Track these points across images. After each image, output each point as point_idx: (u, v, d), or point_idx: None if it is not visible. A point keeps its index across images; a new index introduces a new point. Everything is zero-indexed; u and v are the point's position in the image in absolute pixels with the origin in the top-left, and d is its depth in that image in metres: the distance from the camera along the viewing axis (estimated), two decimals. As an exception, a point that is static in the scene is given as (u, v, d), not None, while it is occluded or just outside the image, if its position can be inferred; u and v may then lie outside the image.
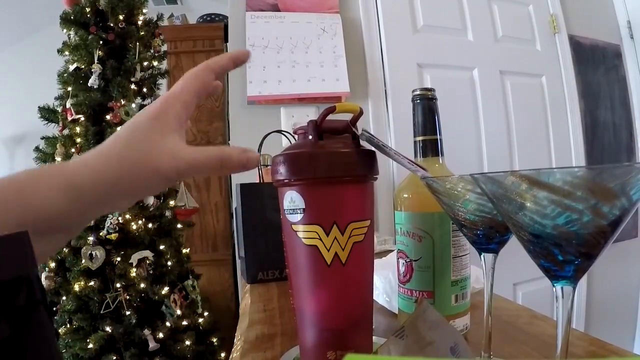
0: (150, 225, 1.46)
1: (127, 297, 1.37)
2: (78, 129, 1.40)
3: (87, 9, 1.45)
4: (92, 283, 1.34)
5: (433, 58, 1.62)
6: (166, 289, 1.46)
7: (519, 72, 1.73)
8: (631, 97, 1.98)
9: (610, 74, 1.94)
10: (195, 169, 0.30)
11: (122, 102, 1.42)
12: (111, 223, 1.35)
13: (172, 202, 1.59)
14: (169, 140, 0.29)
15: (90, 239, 1.35)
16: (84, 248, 1.34)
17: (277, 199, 0.37)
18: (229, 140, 1.69)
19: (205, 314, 1.61)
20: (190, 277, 1.60)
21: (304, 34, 1.50)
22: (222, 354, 1.62)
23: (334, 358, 0.34)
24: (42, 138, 1.50)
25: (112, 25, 1.48)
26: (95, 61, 1.42)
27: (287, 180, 0.35)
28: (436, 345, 0.31)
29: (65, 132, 1.44)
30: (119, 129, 0.30)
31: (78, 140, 1.40)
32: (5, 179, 0.26)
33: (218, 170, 0.31)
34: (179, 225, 1.61)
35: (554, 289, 0.26)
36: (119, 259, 1.36)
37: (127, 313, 1.36)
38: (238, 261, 1.35)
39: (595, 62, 1.90)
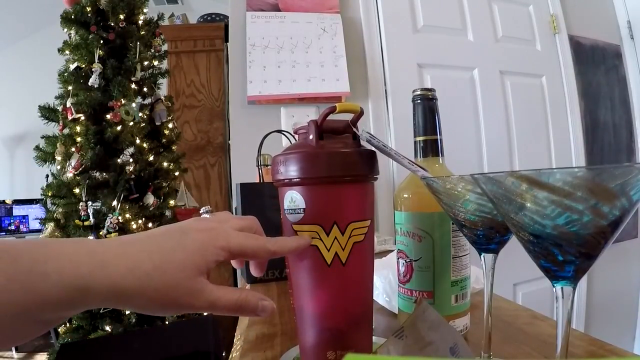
0: (150, 224, 1.46)
1: (127, 296, 1.37)
2: (78, 128, 1.40)
3: (88, 9, 1.45)
4: (92, 282, 1.33)
5: (433, 58, 1.62)
6: (166, 288, 1.46)
7: (519, 72, 1.73)
8: (631, 97, 1.98)
9: (610, 74, 1.94)
10: (213, 309, 0.30)
11: (123, 102, 1.42)
12: (111, 222, 1.35)
13: (172, 202, 1.59)
14: (195, 283, 0.28)
15: (91, 238, 1.35)
16: (84, 247, 1.34)
17: (277, 198, 0.37)
18: (229, 140, 1.70)
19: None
20: (190, 276, 1.60)
21: (305, 33, 1.50)
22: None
23: (333, 358, 0.34)
24: (43, 137, 1.51)
25: (112, 24, 1.48)
26: (96, 60, 1.43)
27: (287, 180, 0.35)
28: (436, 346, 0.31)
29: (66, 131, 1.44)
30: (148, 237, 0.29)
31: (78, 139, 1.40)
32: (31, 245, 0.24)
33: (234, 313, 0.31)
34: (179, 225, 1.61)
35: (554, 289, 0.26)
36: (119, 258, 1.36)
37: (127, 312, 1.36)
38: (238, 261, 1.35)
39: (595, 62, 1.90)
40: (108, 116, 1.41)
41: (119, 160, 1.43)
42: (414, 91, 0.48)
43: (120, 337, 0.29)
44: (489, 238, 0.35)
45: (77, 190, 1.38)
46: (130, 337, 0.27)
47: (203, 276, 0.29)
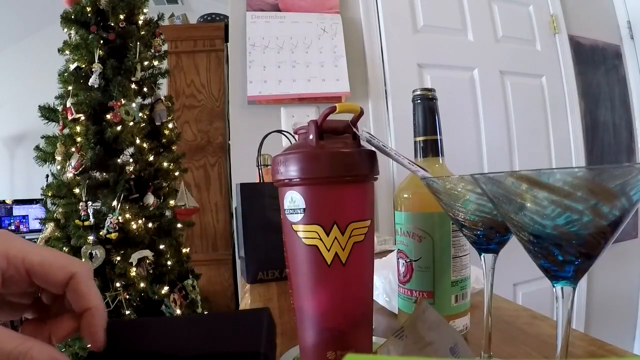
0: (150, 224, 1.46)
1: (127, 296, 1.37)
2: (78, 128, 1.40)
3: (88, 9, 1.45)
4: (92, 282, 1.33)
5: (433, 58, 1.62)
6: (166, 288, 1.46)
7: (519, 72, 1.73)
8: (631, 97, 1.98)
9: (610, 74, 1.94)
10: None
11: (123, 102, 1.42)
12: (111, 222, 1.35)
13: (172, 202, 1.59)
14: None
15: (90, 238, 1.35)
16: (84, 247, 1.34)
17: (277, 198, 0.37)
18: (229, 140, 1.70)
19: (205, 313, 1.61)
20: (190, 276, 1.61)
21: (305, 34, 1.50)
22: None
23: (333, 358, 0.34)
24: (43, 137, 1.50)
25: (112, 24, 1.48)
26: (96, 60, 1.42)
27: (287, 180, 0.35)
28: (435, 346, 0.31)
29: (66, 131, 1.44)
30: None
31: (78, 139, 1.40)
32: None
33: None
34: (179, 225, 1.62)
35: (554, 289, 0.26)
36: (118, 258, 1.36)
37: (127, 312, 1.36)
38: (238, 261, 1.35)
39: (595, 62, 1.90)
40: (108, 116, 1.41)
41: (119, 160, 1.43)
42: (414, 91, 0.48)
43: (170, 321, 0.30)
44: (489, 238, 0.35)
45: (77, 190, 1.38)
46: (180, 322, 0.27)
47: None
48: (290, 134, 0.84)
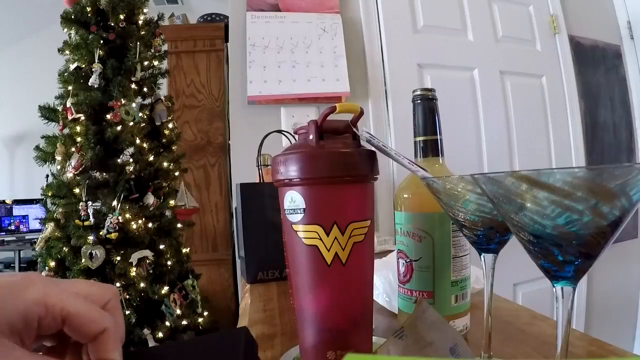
0: (150, 224, 1.46)
1: (127, 296, 1.37)
2: (78, 128, 1.40)
3: (88, 9, 1.45)
4: (92, 282, 1.33)
5: (433, 58, 1.62)
6: (166, 288, 1.46)
7: (519, 72, 1.73)
8: (631, 97, 1.98)
9: (610, 74, 1.94)
10: None
11: (123, 102, 1.42)
12: (111, 222, 1.35)
13: (172, 202, 1.59)
14: None
15: (90, 238, 1.35)
16: (84, 247, 1.34)
17: (277, 199, 0.37)
18: (229, 140, 1.70)
19: (205, 313, 1.61)
20: (190, 276, 1.61)
21: (305, 34, 1.50)
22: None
23: (333, 358, 0.34)
24: (43, 137, 1.50)
25: (112, 24, 1.48)
26: (96, 60, 1.42)
27: (287, 180, 0.35)
28: (436, 346, 0.31)
29: (66, 131, 1.44)
30: None
31: (78, 139, 1.40)
32: None
33: None
34: (179, 225, 1.61)
35: (554, 289, 0.26)
36: (118, 258, 1.36)
37: (127, 312, 1.36)
38: (238, 261, 1.35)
39: (595, 63, 1.90)
40: (108, 116, 1.41)
41: (119, 160, 1.43)
42: (414, 91, 0.48)
43: (148, 352, 0.30)
44: (489, 238, 0.35)
45: (77, 190, 1.38)
46: (159, 351, 0.27)
47: (6, 339, 0.23)
48: (290, 134, 0.84)
